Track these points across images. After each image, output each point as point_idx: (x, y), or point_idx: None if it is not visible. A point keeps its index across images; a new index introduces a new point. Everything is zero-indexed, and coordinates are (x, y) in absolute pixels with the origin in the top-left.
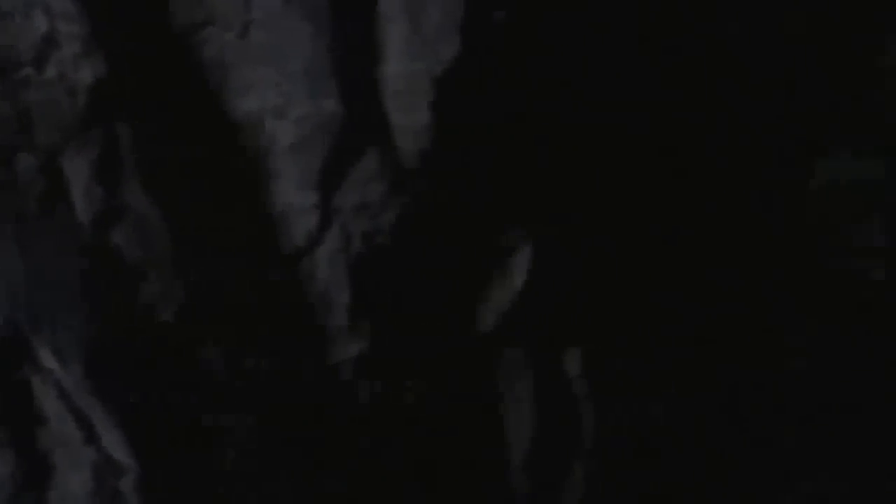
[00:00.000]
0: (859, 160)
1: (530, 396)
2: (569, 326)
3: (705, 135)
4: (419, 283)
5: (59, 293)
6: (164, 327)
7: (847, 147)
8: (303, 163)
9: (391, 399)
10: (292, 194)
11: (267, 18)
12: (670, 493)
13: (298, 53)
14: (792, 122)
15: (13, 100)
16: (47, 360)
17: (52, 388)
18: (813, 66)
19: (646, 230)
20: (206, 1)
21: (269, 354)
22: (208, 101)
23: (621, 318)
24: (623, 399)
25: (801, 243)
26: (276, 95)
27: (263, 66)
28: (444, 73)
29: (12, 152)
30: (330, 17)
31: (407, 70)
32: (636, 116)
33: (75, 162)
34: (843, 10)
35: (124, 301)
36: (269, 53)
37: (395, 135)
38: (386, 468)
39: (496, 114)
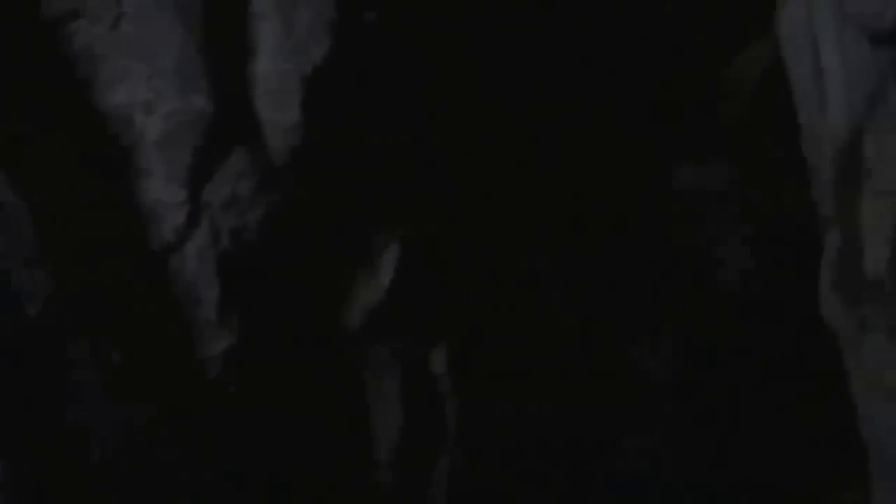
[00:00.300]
0: (710, 167)
1: (397, 394)
2: (435, 325)
3: (572, 138)
4: (287, 280)
5: None
6: (29, 322)
7: (698, 155)
8: (171, 159)
9: (258, 395)
10: (161, 190)
11: (137, 13)
12: (532, 486)
13: (169, 49)
14: (651, 129)
15: None
16: None
17: None
18: (666, 78)
19: (513, 230)
20: None
21: (136, 350)
22: (77, 94)
23: (486, 317)
24: (487, 396)
25: (659, 245)
26: (146, 90)
27: (133, 61)
28: (315, 71)
29: None
30: (202, 14)
31: (278, 69)
32: (506, 118)
33: None
34: (695, 25)
35: None
36: (140, 48)
37: (265, 132)
38: (253, 465)
39: (366, 113)
